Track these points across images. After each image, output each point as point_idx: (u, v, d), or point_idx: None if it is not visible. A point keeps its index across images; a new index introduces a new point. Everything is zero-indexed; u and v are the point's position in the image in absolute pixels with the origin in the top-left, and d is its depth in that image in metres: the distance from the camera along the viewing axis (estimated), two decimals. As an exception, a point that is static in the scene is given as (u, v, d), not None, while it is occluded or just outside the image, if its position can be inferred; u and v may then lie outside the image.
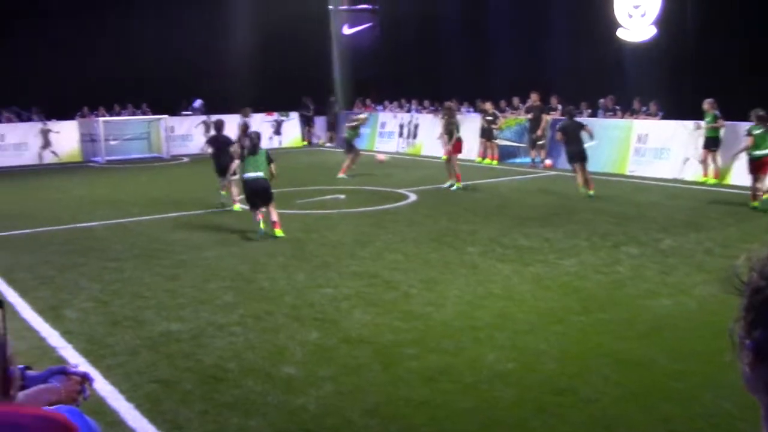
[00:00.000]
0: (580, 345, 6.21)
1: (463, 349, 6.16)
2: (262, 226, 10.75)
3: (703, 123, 15.81)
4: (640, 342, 6.23)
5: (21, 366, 2.30)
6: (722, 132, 15.69)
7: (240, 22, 27.86)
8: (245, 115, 16.54)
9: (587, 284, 8.06)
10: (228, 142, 13.70)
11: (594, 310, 7.11)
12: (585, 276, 8.38)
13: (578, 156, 14.38)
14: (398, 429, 4.79)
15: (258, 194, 10.80)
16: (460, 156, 16.34)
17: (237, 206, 13.12)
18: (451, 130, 15.96)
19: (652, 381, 5.43)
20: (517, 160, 20.27)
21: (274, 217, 10.87)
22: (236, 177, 12.07)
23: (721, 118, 15.52)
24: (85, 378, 2.32)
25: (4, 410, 1.39)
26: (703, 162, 15.94)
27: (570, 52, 20.97)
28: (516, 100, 21.00)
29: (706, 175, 15.85)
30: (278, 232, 10.81)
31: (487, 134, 20.45)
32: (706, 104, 15.69)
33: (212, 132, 13.98)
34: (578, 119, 15.66)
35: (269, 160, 11.10)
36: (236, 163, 11.69)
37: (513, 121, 20.57)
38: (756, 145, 12.59)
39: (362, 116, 20.60)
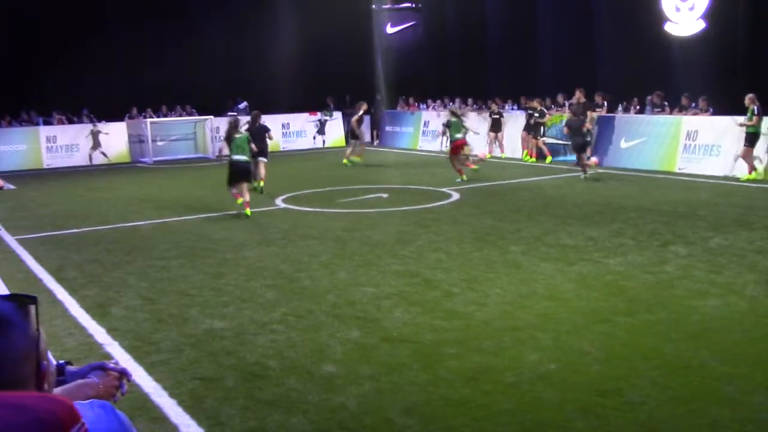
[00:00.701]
0: (625, 346, 6.09)
1: (504, 349, 6.09)
2: (239, 202, 12.72)
3: (743, 119, 15.48)
4: (688, 344, 6.09)
5: (62, 361, 2.33)
6: (764, 127, 15.33)
7: (284, 23, 28.12)
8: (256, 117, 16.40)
9: (633, 284, 7.90)
10: (264, 129, 15.88)
11: (640, 311, 6.96)
12: (631, 276, 8.23)
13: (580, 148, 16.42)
14: (438, 429, 4.76)
15: (241, 174, 12.75)
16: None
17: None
18: (443, 130, 17.85)
19: (701, 384, 5.30)
20: (562, 158, 20.03)
21: (247, 197, 12.67)
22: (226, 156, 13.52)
23: (758, 114, 15.15)
24: (124, 374, 2.34)
25: (13, 393, 1.41)
26: (745, 158, 15.57)
27: (616, 47, 20.65)
28: (561, 97, 20.76)
29: (751, 171, 15.47)
30: (248, 211, 12.59)
31: (533, 131, 20.33)
32: (747, 99, 15.37)
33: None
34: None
35: (249, 141, 13.03)
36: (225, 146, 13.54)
37: (558, 119, 20.33)
38: None
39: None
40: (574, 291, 7.70)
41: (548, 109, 20.45)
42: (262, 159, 15.46)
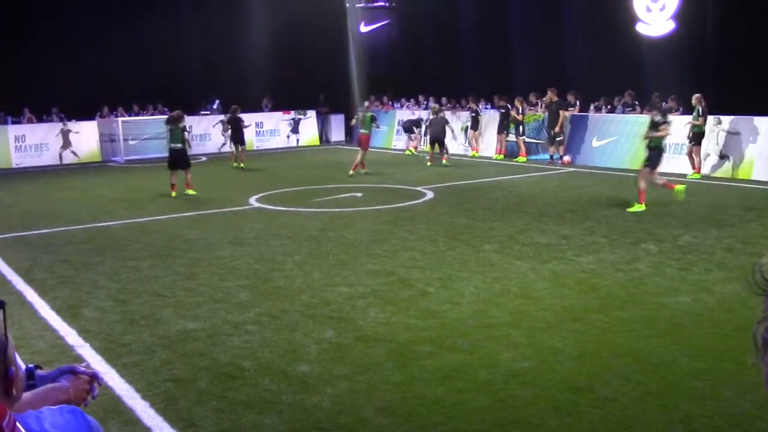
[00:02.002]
0: (598, 343, 6.14)
1: (478, 347, 6.12)
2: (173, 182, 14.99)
3: (689, 118, 16.01)
4: (659, 340, 6.16)
5: (31, 366, 2.30)
6: (706, 127, 15.81)
7: (257, 21, 27.93)
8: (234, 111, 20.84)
9: (606, 282, 7.98)
10: (239, 120, 20.59)
11: (613, 308, 7.03)
12: (603, 273, 8.30)
13: None
14: (413, 428, 4.76)
15: (176, 160, 15.39)
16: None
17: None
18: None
19: (672, 380, 5.36)
20: (535, 157, 20.16)
21: (189, 177, 15.30)
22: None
23: (703, 114, 15.69)
24: (94, 377, 2.31)
25: None
26: (689, 156, 16.05)
27: (588, 47, 20.84)
28: (533, 97, 20.90)
29: (694, 169, 15.92)
30: (191, 191, 15.16)
31: (504, 129, 20.61)
32: (694, 99, 15.87)
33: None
34: None
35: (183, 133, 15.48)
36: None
37: (530, 118, 20.47)
38: None
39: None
40: (548, 289, 7.75)
41: (518, 108, 20.52)
42: (242, 146, 20.50)
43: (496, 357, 5.87)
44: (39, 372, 2.29)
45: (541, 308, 7.10)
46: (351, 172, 17.64)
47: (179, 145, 15.42)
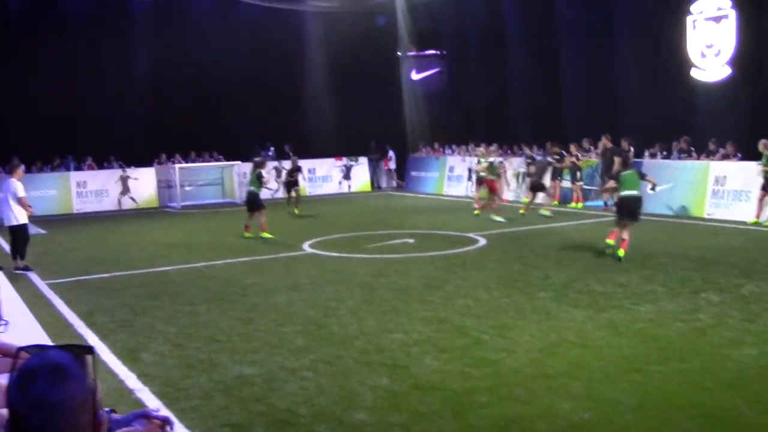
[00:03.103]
0: (659, 395, 5.99)
1: (536, 397, 6.02)
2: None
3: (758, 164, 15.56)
4: (723, 393, 5.98)
5: (107, 409, 2.37)
6: None
7: (311, 69, 28.57)
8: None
9: (666, 332, 7.80)
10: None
11: (673, 359, 6.87)
12: (663, 323, 8.12)
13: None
14: (471, 479, 4.69)
15: (248, 202, 16.26)
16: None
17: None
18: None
19: (738, 435, 5.19)
20: (590, 204, 19.97)
21: (263, 220, 15.73)
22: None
23: None
24: (166, 422, 2.37)
25: None
26: (761, 203, 15.57)
27: (642, 93, 20.69)
28: (586, 143, 20.79)
29: (758, 217, 15.46)
30: (265, 234, 15.53)
31: (557, 176, 20.53)
32: (761, 144, 15.43)
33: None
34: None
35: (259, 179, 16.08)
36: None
37: (584, 164, 20.34)
38: None
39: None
40: (606, 338, 7.61)
41: (570, 154, 20.42)
42: (296, 188, 20.74)
43: (555, 408, 5.77)
44: (114, 416, 2.36)
45: (599, 358, 6.97)
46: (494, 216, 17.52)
47: (251, 188, 16.09)
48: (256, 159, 17.65)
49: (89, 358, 1.62)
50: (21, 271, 12.18)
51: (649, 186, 12.94)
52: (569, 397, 6.00)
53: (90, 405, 1.57)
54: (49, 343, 4.26)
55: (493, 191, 18.04)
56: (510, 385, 6.31)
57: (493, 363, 6.93)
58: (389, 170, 28.28)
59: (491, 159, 19.49)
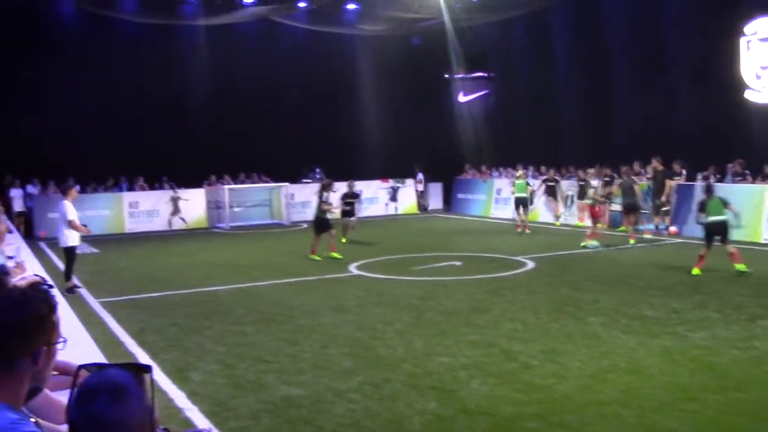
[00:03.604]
0: (715, 425, 5.82)
1: (587, 425, 5.90)
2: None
3: None
4: (783, 424, 5.78)
5: (162, 428, 2.38)
6: None
7: (357, 92, 28.84)
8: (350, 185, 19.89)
9: (721, 359, 7.59)
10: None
11: (729, 388, 6.66)
12: (718, 351, 7.90)
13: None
14: (521, 508, 4.60)
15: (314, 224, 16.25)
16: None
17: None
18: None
19: (800, 468, 5.00)
20: (641, 227, 19.60)
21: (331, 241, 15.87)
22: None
23: None
24: (218, 443, 2.37)
25: None
26: None
27: (695, 115, 20.30)
28: (637, 165, 20.46)
29: None
30: (335, 254, 15.53)
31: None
32: None
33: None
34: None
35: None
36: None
37: (642, 186, 19.97)
38: None
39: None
40: (659, 366, 7.43)
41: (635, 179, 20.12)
42: (352, 219, 18.96)
43: (607, 436, 5.64)
44: (168, 436, 2.37)
45: (652, 386, 6.80)
46: (591, 241, 16.66)
47: (316, 212, 16.19)
48: (323, 182, 17.36)
49: (147, 376, 1.63)
50: (67, 293, 11.92)
51: (731, 214, 12.84)
52: (622, 425, 5.86)
53: (148, 424, 1.58)
54: (105, 361, 4.33)
55: (595, 218, 17.34)
56: (560, 412, 6.19)
57: (543, 388, 6.82)
58: (418, 192, 28.09)
59: (523, 180, 20.38)
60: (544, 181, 22.54)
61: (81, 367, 1.66)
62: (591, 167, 21.41)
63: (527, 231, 19.64)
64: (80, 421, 1.52)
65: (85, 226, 12.70)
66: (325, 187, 16.54)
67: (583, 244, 16.57)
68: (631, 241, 17.04)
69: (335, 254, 15.66)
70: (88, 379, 1.59)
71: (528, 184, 20.71)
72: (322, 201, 16.17)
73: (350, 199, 19.09)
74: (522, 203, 20.19)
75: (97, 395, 1.54)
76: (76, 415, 1.53)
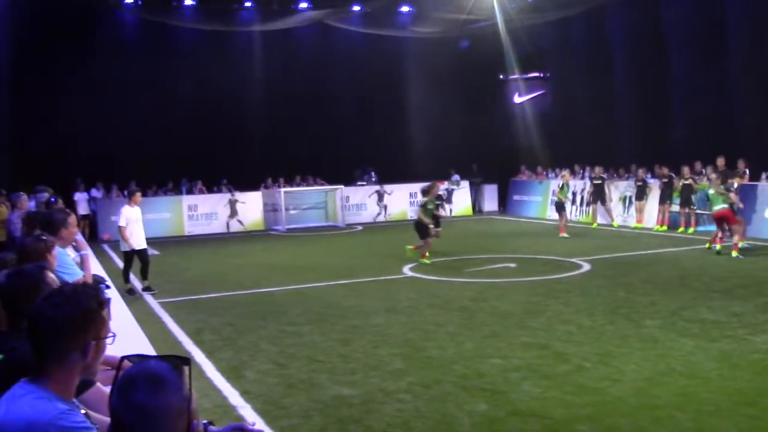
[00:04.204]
0: (775, 431, 5.65)
1: (641, 428, 5.79)
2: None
3: None
4: None
5: (204, 421, 2.45)
6: None
7: (412, 94, 28.87)
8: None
9: (783, 364, 7.36)
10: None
11: (792, 393, 6.46)
12: (780, 355, 7.67)
13: None
14: None
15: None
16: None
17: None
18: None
19: None
20: (701, 228, 19.16)
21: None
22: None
23: None
24: (261, 437, 2.43)
25: None
26: None
27: (759, 111, 19.71)
28: (698, 165, 19.97)
29: None
30: (423, 259, 15.16)
31: (666, 199, 19.93)
32: None
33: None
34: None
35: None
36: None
37: (698, 187, 19.53)
38: None
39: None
40: (717, 369, 7.25)
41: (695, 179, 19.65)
42: (438, 229, 16.51)
43: (661, 440, 5.54)
44: (212, 428, 2.43)
45: (710, 390, 6.64)
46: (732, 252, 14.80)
47: (421, 217, 15.70)
48: (424, 186, 16.28)
49: (186, 368, 1.69)
50: (128, 294, 12.24)
51: None
52: (676, 429, 5.74)
53: (185, 414, 1.64)
54: (157, 357, 4.44)
55: (731, 224, 15.06)
56: (613, 415, 6.10)
57: (596, 391, 6.72)
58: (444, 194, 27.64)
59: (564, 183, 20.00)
60: (591, 180, 22.08)
61: (124, 358, 1.73)
62: (648, 167, 20.99)
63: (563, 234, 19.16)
64: (121, 409, 1.59)
65: (126, 238, 12.53)
66: (427, 192, 15.87)
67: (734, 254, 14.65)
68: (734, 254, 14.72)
69: (423, 260, 15.29)
70: (130, 369, 1.66)
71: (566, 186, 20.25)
72: (429, 206, 15.63)
73: (437, 201, 17.18)
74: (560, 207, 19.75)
75: (136, 384, 1.60)
76: (117, 402, 1.60)
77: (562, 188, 19.93)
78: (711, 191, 15.33)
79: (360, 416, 6.28)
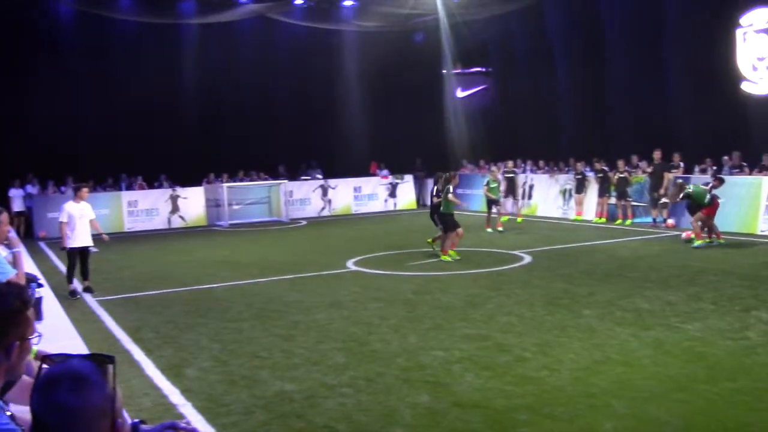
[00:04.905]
0: (706, 416, 5.84)
1: (578, 416, 5.92)
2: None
3: None
4: (773, 414, 5.80)
5: (136, 420, 2.41)
6: None
7: (354, 89, 28.84)
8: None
9: (714, 350, 7.61)
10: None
11: (721, 379, 6.68)
12: (711, 342, 7.93)
13: None
14: (509, 498, 4.63)
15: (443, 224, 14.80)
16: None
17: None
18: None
19: (788, 457, 5.02)
20: (638, 220, 19.65)
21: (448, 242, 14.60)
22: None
23: None
24: (194, 434, 2.39)
25: None
26: None
27: (692, 107, 20.31)
28: (635, 158, 20.47)
29: None
30: (445, 256, 14.35)
31: (605, 192, 20.39)
32: None
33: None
34: None
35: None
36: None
37: (633, 180, 20.03)
38: None
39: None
40: (651, 357, 7.45)
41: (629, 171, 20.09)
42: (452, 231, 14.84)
43: (597, 428, 5.67)
44: (143, 427, 2.39)
45: (644, 377, 6.83)
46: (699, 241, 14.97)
47: (443, 209, 14.79)
48: (445, 174, 15.60)
49: (111, 367, 1.66)
50: (71, 297, 11.83)
51: None
52: (612, 416, 5.88)
53: (109, 413, 1.61)
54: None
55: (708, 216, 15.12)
56: (552, 404, 6.21)
57: (536, 381, 6.84)
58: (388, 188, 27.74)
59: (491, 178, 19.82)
60: (504, 174, 21.81)
61: (45, 357, 1.68)
62: (587, 161, 21.43)
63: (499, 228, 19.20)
64: (42, 409, 1.55)
65: (65, 235, 12.13)
66: (449, 180, 15.09)
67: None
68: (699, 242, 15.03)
69: (446, 257, 14.38)
70: (52, 368, 1.62)
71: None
72: (447, 194, 14.77)
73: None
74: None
75: (58, 384, 1.56)
76: (38, 403, 1.56)
77: (488, 184, 19.83)
78: (694, 188, 15.40)
79: (302, 411, 6.27)
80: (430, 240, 15.47)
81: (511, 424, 5.82)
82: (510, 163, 22.48)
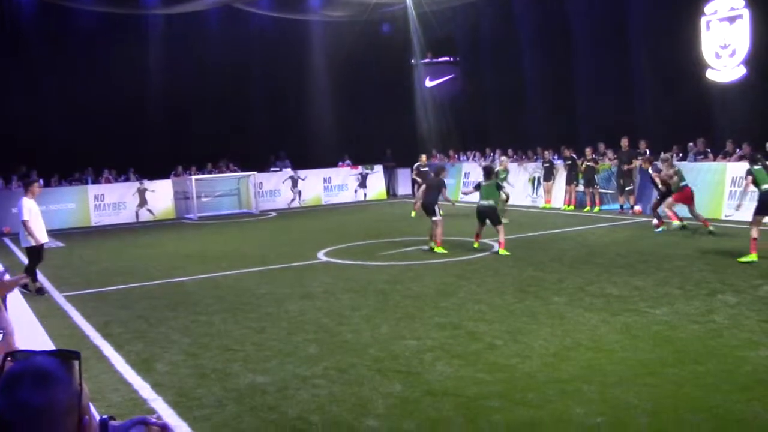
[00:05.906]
0: (674, 399, 5.93)
1: (549, 402, 5.98)
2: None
3: None
4: (739, 395, 5.91)
5: (105, 416, 2.37)
6: None
7: (323, 79, 28.73)
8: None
9: (681, 334, 7.73)
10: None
11: (688, 362, 6.80)
12: (678, 326, 8.05)
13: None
14: (482, 485, 4.67)
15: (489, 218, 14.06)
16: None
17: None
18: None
19: (754, 437, 5.12)
20: (606, 207, 19.87)
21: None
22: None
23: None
24: (165, 429, 2.37)
25: None
26: None
27: (657, 94, 20.57)
28: (602, 146, 20.69)
29: None
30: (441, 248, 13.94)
31: (572, 180, 20.59)
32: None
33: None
34: None
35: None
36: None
37: (600, 167, 20.24)
38: None
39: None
40: (620, 342, 7.55)
41: (595, 159, 20.28)
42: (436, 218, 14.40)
43: (568, 412, 5.73)
44: (112, 423, 2.35)
45: (613, 362, 6.92)
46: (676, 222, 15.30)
47: (489, 202, 14.03)
48: (488, 165, 15.09)
49: (76, 363, 1.63)
50: (32, 292, 11.43)
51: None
52: (582, 401, 5.95)
53: (75, 410, 1.58)
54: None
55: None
56: (523, 390, 6.27)
57: (506, 368, 6.89)
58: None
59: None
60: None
61: (8, 355, 1.65)
62: (555, 149, 21.60)
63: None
64: (5, 408, 1.51)
65: (33, 233, 11.62)
66: (492, 172, 14.67)
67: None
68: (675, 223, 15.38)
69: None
70: (14, 366, 1.59)
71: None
72: (498, 188, 14.62)
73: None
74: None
75: (21, 381, 1.53)
76: (0, 401, 1.52)
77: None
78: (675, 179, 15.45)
79: (275, 403, 6.25)
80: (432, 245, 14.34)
81: (483, 411, 5.86)
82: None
